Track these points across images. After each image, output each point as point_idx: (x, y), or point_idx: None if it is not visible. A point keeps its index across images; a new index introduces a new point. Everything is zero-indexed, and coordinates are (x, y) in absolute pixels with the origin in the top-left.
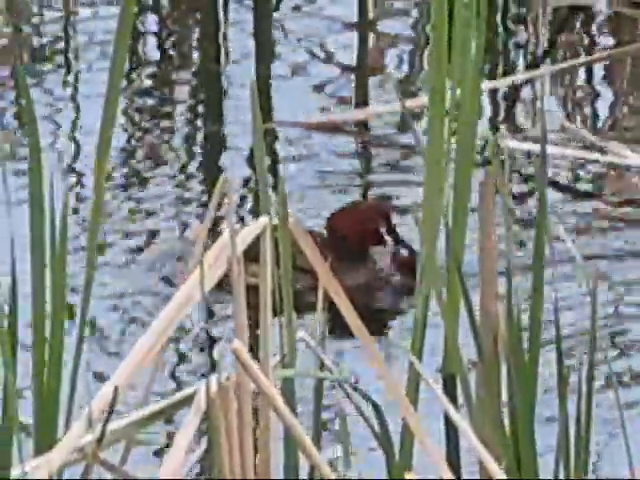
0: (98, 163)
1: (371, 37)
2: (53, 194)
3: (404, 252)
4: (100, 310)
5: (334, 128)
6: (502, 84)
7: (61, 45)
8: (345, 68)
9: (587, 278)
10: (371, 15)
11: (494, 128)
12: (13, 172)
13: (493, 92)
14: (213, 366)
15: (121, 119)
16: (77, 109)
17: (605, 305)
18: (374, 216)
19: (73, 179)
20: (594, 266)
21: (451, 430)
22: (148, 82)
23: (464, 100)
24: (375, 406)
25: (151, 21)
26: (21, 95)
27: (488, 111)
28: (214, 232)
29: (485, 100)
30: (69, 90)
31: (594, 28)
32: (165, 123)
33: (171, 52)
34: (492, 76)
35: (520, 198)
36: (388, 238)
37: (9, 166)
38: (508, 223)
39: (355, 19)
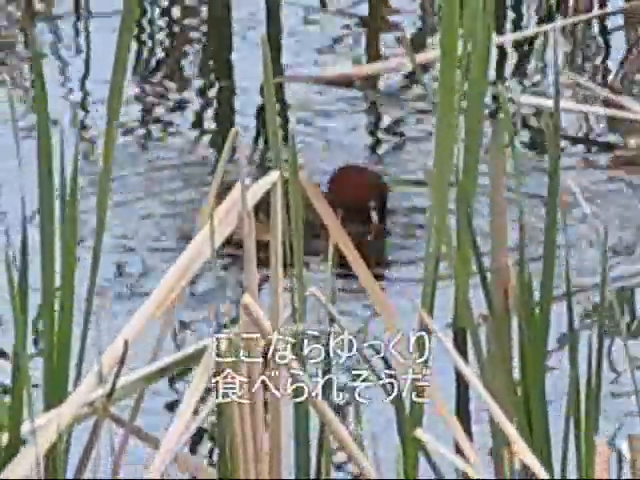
0: (110, 116)
1: None
2: (63, 151)
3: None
4: (110, 265)
5: (345, 82)
6: (513, 38)
7: None
8: (357, 22)
9: (598, 232)
10: None
11: (505, 82)
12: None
13: (504, 46)
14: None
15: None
16: (87, 60)
17: (617, 257)
18: (366, 187)
19: (84, 133)
20: (605, 221)
21: (461, 384)
22: (158, 36)
23: (474, 54)
24: (385, 361)
25: None
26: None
27: (499, 65)
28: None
29: (496, 54)
30: (80, 41)
31: None
32: (176, 75)
33: (179, 7)
34: (503, 30)
35: (530, 152)
36: (374, 215)
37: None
38: (518, 177)
39: None
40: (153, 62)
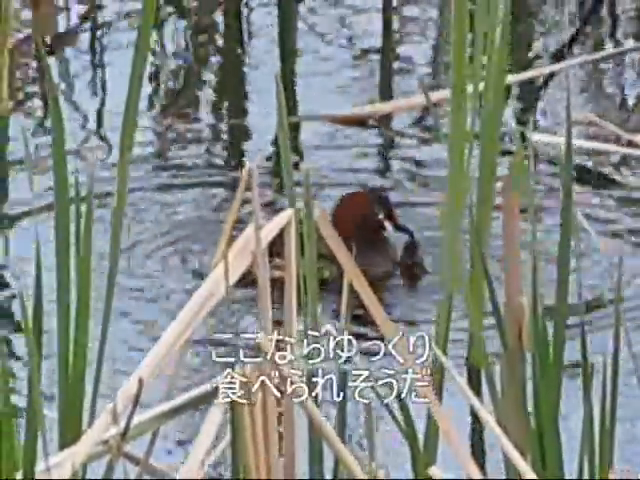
0: (122, 149)
1: (395, 21)
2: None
3: (405, 237)
4: (124, 302)
5: (358, 122)
6: (527, 76)
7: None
8: (370, 57)
9: (611, 271)
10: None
11: (519, 120)
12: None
13: (519, 84)
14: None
15: (145, 113)
16: (103, 89)
17: (631, 297)
18: (368, 203)
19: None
20: (618, 256)
21: (476, 424)
22: (172, 70)
23: (488, 93)
24: (400, 398)
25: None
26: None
27: (513, 103)
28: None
29: (510, 92)
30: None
31: (622, 16)
32: (189, 112)
33: (195, 44)
34: (518, 67)
35: (545, 190)
36: (387, 224)
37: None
38: (532, 215)
39: (380, 4)
40: (166, 98)
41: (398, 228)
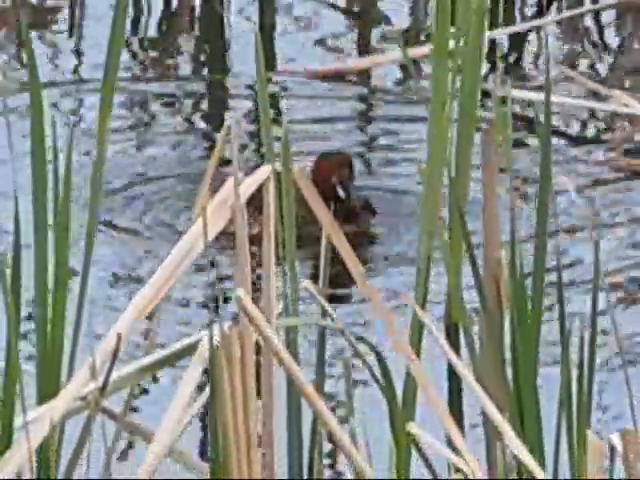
0: (101, 112)
1: None
2: (56, 144)
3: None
4: (102, 259)
5: (336, 77)
6: (506, 32)
7: None
8: (349, 17)
9: (589, 226)
10: None
11: (498, 76)
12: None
13: (497, 41)
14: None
15: (125, 72)
16: (79, 55)
17: (609, 254)
18: (329, 167)
19: (76, 127)
20: (596, 213)
21: (454, 379)
22: (152, 32)
23: (467, 49)
24: (378, 355)
25: None
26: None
27: (492, 60)
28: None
29: (489, 49)
30: (73, 40)
31: None
32: (170, 72)
33: (174, 4)
34: (496, 25)
35: (522, 146)
36: (339, 189)
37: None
38: (510, 170)
39: None
40: (145, 54)
41: (347, 193)
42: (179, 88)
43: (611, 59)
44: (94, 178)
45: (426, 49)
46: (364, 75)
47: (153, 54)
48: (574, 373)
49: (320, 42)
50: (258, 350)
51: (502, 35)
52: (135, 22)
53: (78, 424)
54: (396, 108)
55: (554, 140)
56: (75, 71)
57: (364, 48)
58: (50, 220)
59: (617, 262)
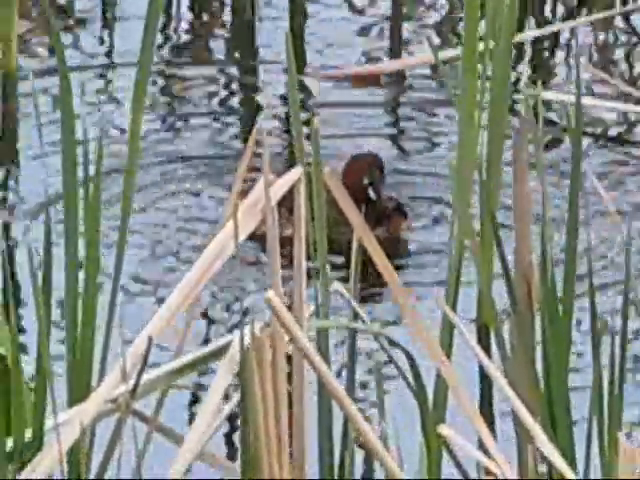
0: (134, 115)
1: None
2: (87, 148)
3: (389, 205)
4: (134, 260)
5: (368, 79)
6: (537, 33)
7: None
8: (380, 18)
9: (620, 228)
10: None
11: (529, 79)
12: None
13: (530, 43)
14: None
15: (156, 78)
16: (112, 66)
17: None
18: (360, 169)
19: (105, 133)
20: (628, 216)
21: (485, 382)
22: (183, 36)
23: (498, 51)
24: (409, 357)
25: None
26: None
27: (523, 62)
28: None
29: (520, 51)
30: (104, 47)
31: None
32: (202, 72)
33: (204, 6)
34: (526, 27)
35: (554, 149)
36: (370, 191)
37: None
38: (542, 173)
39: None
40: (177, 53)
41: (378, 196)
42: (210, 88)
43: None
44: (127, 179)
45: (456, 51)
46: (396, 78)
47: (185, 48)
48: (605, 375)
49: (351, 44)
50: (289, 354)
51: (532, 37)
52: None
53: (109, 427)
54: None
55: (585, 142)
56: (108, 55)
57: (396, 49)
58: (80, 222)
59: None
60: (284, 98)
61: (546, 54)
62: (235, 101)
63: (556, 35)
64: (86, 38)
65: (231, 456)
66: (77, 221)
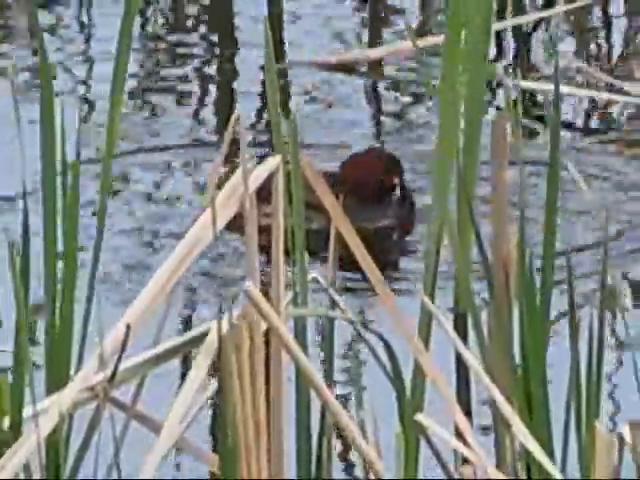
0: (113, 98)
1: None
2: (64, 127)
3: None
4: (111, 248)
5: (347, 68)
6: (513, 23)
7: None
8: (359, 7)
9: (598, 217)
10: None
11: (507, 68)
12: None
13: (506, 32)
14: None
15: (135, 62)
16: (89, 39)
17: (617, 243)
18: (392, 167)
19: (86, 112)
20: (605, 205)
21: (462, 369)
22: (161, 20)
23: (474, 40)
24: (387, 346)
25: None
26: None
27: (501, 51)
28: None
29: (498, 40)
30: (83, 31)
31: None
32: (178, 61)
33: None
34: (504, 15)
35: (532, 138)
36: (397, 190)
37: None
38: (520, 162)
39: None
40: (154, 42)
41: (405, 196)
42: (188, 74)
43: (620, 50)
44: (106, 161)
45: (437, 39)
46: (375, 66)
47: (162, 44)
48: (583, 362)
49: (330, 32)
50: (267, 342)
51: (510, 26)
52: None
53: (87, 415)
54: (408, 98)
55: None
56: (87, 41)
57: (376, 38)
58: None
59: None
60: (264, 85)
61: (525, 43)
62: (213, 89)
63: (535, 24)
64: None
65: (212, 446)
66: (55, 203)
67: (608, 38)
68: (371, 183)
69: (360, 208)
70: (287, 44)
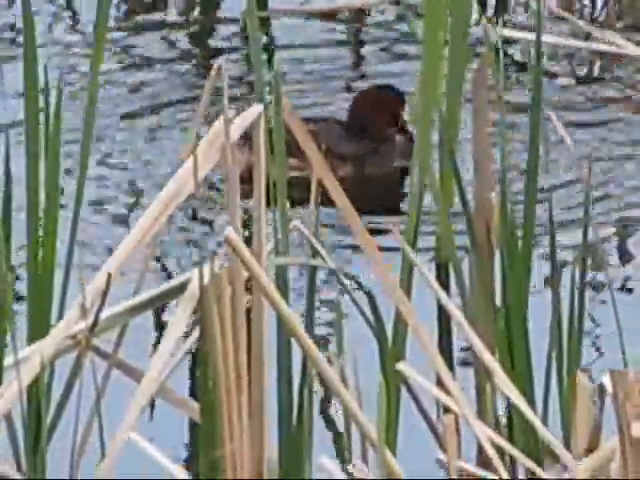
0: (96, 49)
1: None
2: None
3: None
4: (93, 195)
5: (330, 16)
6: None
7: None
8: None
9: (579, 166)
10: None
11: (488, 17)
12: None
13: None
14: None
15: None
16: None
17: (598, 189)
18: (398, 103)
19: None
20: (587, 154)
21: (444, 318)
22: None
23: None
24: (369, 295)
25: None
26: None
27: (483, 2)
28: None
29: None
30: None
31: None
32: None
33: None
34: None
35: (513, 86)
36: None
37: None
38: (502, 111)
39: None
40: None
41: (405, 130)
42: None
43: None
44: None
45: None
46: (358, 15)
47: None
48: (565, 311)
49: None
50: (249, 291)
51: None
52: None
53: (68, 364)
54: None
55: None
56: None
57: None
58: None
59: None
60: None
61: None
62: (194, 40)
63: None
64: None
65: (192, 395)
66: (38, 149)
67: None
68: (385, 117)
69: (367, 149)
70: None
